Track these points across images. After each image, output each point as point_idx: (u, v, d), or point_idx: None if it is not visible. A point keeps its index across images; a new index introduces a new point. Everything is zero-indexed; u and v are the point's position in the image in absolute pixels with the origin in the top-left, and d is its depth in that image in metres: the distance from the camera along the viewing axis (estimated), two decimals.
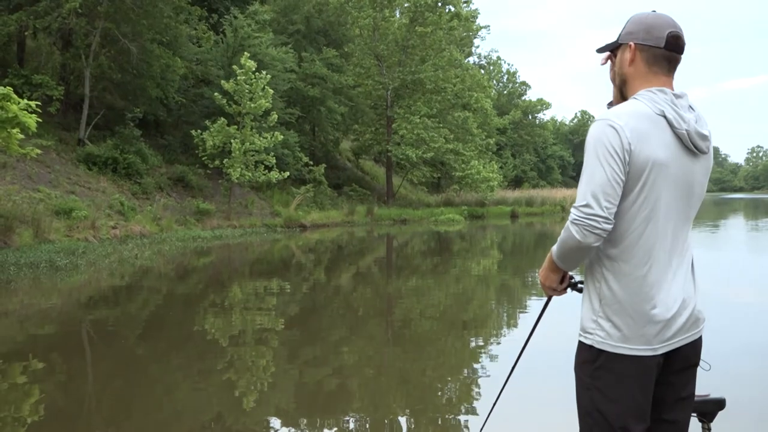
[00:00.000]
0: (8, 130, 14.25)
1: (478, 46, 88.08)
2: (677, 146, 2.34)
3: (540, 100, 77.56)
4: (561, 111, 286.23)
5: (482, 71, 64.79)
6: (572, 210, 2.30)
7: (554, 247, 2.47)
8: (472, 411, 5.94)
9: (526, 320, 10.04)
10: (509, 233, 31.27)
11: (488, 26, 68.48)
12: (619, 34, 2.52)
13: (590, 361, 2.39)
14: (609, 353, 2.34)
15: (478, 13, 47.28)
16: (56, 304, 10.78)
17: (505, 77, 78.44)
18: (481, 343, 8.61)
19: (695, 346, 2.46)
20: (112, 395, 6.32)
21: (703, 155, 2.43)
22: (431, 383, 6.90)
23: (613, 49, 2.58)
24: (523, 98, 77.80)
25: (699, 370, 2.54)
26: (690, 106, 2.41)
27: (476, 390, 6.58)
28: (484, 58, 75.68)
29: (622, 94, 2.53)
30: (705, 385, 2.68)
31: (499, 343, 8.57)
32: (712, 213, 49.99)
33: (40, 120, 15.21)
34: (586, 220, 2.25)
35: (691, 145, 2.36)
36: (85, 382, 6.73)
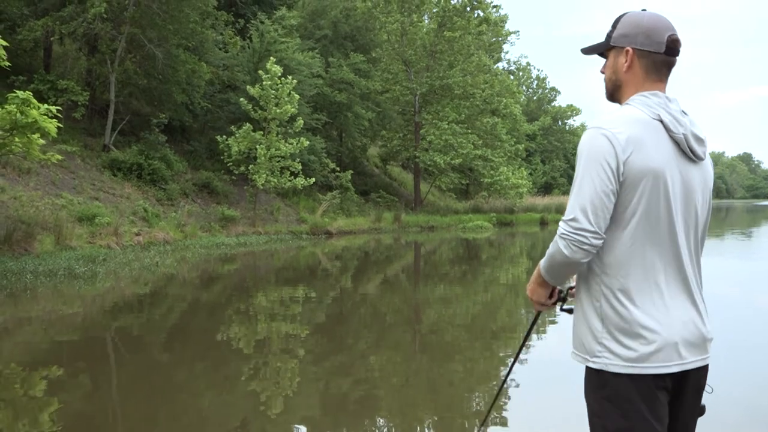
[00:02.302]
0: (28, 135, 14.01)
1: (507, 52, 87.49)
2: (674, 152, 2.23)
3: (570, 106, 76.78)
4: (592, 117, 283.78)
5: (511, 77, 64.16)
6: (560, 224, 2.20)
7: (542, 261, 2.35)
8: (502, 422, 5.82)
9: (555, 330, 9.81)
10: (539, 240, 30.74)
11: (518, 31, 67.85)
12: (610, 35, 2.39)
13: (599, 387, 2.25)
14: (618, 375, 2.19)
15: (507, 18, 46.73)
16: (69, 314, 10.45)
17: (535, 83, 77.82)
18: (510, 353, 8.36)
19: (704, 369, 2.35)
20: (135, 403, 6.18)
21: (700, 162, 2.31)
22: (459, 393, 6.74)
23: (602, 51, 2.46)
24: (552, 104, 77.15)
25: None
26: (682, 111, 2.31)
27: (504, 401, 6.39)
28: (514, 63, 75.08)
29: (613, 98, 2.44)
30: None
31: (528, 353, 8.33)
32: (744, 220, 49.18)
33: (61, 125, 14.96)
34: (574, 235, 2.15)
35: (688, 150, 2.25)
36: (109, 390, 6.43)
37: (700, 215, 2.33)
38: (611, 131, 2.16)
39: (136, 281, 13.56)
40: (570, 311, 2.50)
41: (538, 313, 2.66)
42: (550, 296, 2.48)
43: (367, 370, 7.55)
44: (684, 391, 2.29)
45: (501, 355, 8.41)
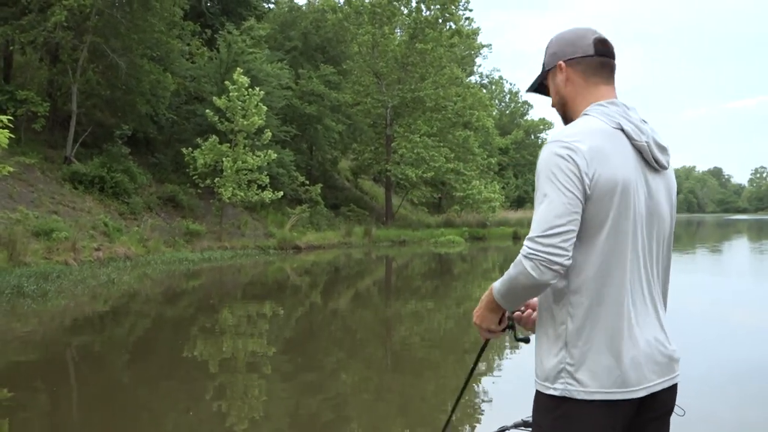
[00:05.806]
0: None
1: (479, 65, 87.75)
2: (638, 162, 2.11)
3: (542, 120, 76.87)
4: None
5: (484, 90, 64.12)
6: (526, 242, 2.00)
7: (497, 284, 2.14)
8: None
9: (527, 345, 9.45)
10: (511, 255, 30.38)
11: (490, 45, 67.99)
12: (543, 63, 2.35)
13: (552, 409, 2.07)
14: (576, 399, 2.02)
15: (480, 31, 46.63)
16: (15, 336, 9.81)
17: (508, 97, 77.90)
18: (483, 369, 8.17)
19: (672, 390, 2.19)
20: (95, 425, 5.95)
21: (663, 171, 2.20)
22: (431, 410, 6.66)
23: (543, 82, 2.39)
24: (525, 118, 77.20)
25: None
26: (642, 119, 2.19)
27: (478, 416, 6.34)
28: (486, 77, 75.14)
29: (565, 119, 2.31)
30: None
31: (500, 368, 8.31)
32: (715, 235, 49.47)
33: (12, 136, 14.36)
34: (543, 255, 1.95)
35: (651, 158, 2.14)
36: (68, 411, 5.86)
37: (665, 227, 2.22)
38: (573, 144, 2.02)
39: (93, 299, 12.96)
40: (526, 340, 2.39)
41: (486, 342, 2.50)
42: (500, 322, 2.30)
43: (337, 386, 7.44)
44: (650, 415, 2.14)
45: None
